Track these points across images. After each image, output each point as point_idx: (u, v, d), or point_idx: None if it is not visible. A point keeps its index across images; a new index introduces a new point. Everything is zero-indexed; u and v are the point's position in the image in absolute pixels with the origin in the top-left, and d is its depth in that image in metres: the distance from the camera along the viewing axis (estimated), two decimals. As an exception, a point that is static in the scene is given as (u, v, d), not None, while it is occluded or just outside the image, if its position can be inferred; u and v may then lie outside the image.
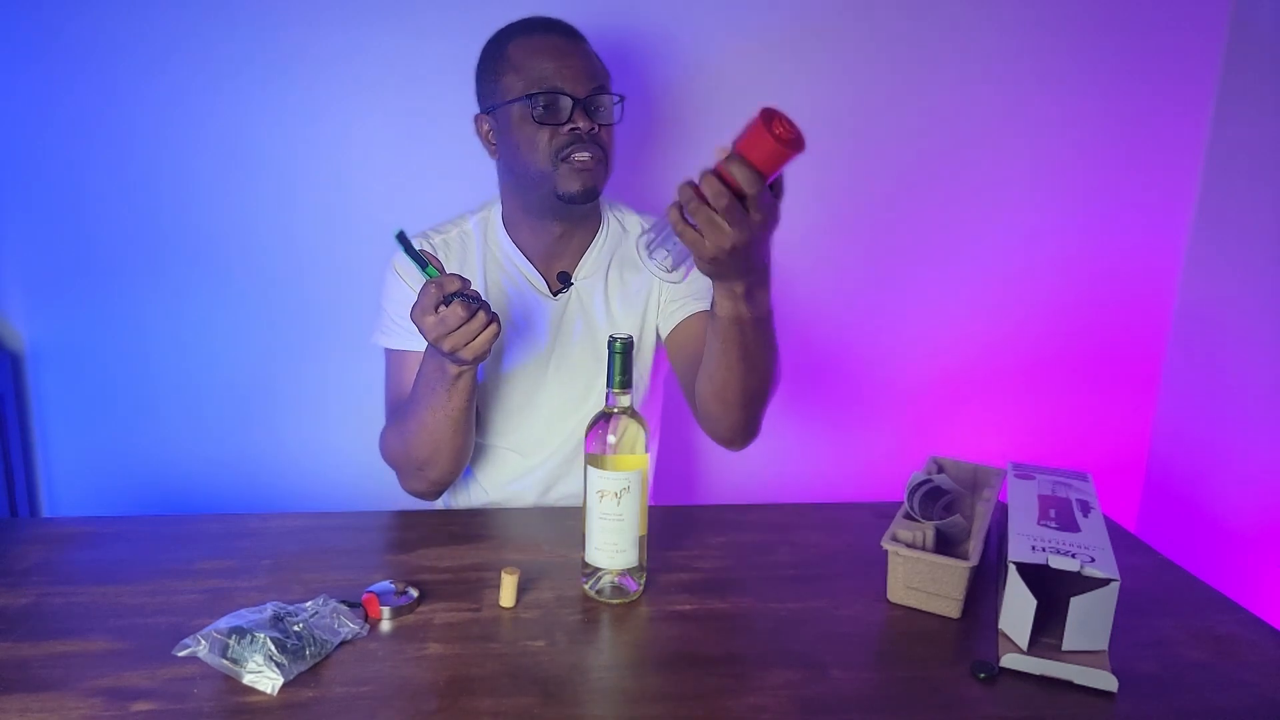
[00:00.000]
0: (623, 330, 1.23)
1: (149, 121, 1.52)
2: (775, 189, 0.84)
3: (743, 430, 1.11)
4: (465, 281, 0.94)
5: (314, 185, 1.57)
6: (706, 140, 1.58)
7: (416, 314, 0.95)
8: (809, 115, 1.63)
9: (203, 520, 1.13)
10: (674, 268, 0.89)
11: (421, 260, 0.97)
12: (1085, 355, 1.83)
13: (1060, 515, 0.95)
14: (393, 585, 0.94)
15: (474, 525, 1.15)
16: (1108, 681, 0.80)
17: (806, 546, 1.09)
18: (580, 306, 1.24)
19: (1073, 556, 0.83)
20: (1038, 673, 0.82)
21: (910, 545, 0.96)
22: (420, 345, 1.09)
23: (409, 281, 1.19)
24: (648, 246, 0.90)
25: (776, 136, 0.77)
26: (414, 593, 0.93)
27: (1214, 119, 1.73)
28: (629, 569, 0.94)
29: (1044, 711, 0.78)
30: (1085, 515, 0.95)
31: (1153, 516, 1.88)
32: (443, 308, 0.93)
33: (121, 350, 1.61)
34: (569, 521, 1.11)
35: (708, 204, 0.80)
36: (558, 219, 1.19)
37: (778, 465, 1.78)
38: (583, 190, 1.13)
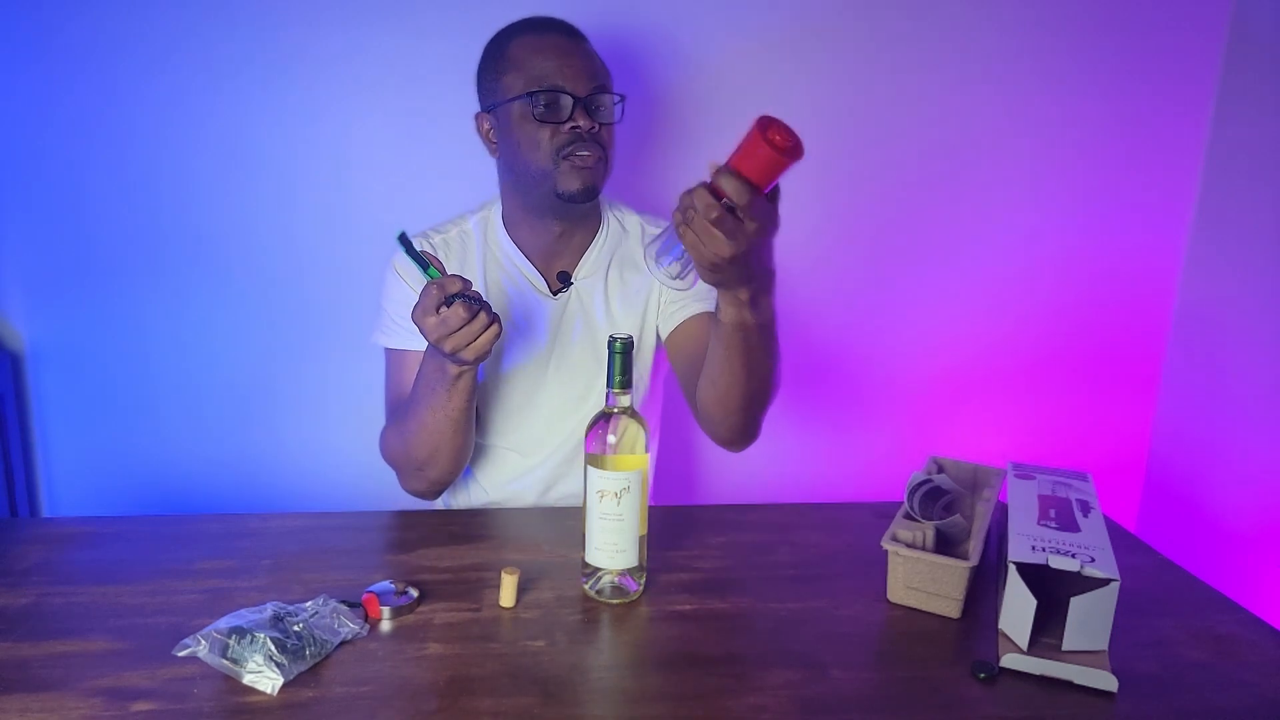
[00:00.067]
0: (623, 330, 1.23)
1: (149, 121, 1.52)
2: (771, 194, 0.84)
3: (743, 433, 1.12)
4: (467, 282, 0.94)
5: (314, 185, 1.57)
6: (706, 140, 1.61)
7: (418, 315, 0.95)
8: (809, 116, 1.64)
9: (203, 520, 1.13)
10: (681, 275, 0.90)
11: (423, 261, 0.97)
12: (1085, 355, 1.83)
13: (1060, 515, 0.95)
14: (393, 585, 0.94)
15: (474, 525, 1.15)
16: (1108, 681, 0.80)
17: (806, 546, 1.09)
18: (580, 306, 1.24)
19: (1073, 556, 0.83)
20: (1038, 673, 0.82)
21: (910, 545, 0.96)
22: (420, 345, 1.09)
23: (409, 281, 1.19)
24: (656, 255, 0.90)
25: (773, 145, 0.77)
26: (414, 593, 0.93)
27: (1214, 119, 1.73)
28: (629, 569, 0.94)
29: (1044, 711, 0.78)
30: (1085, 515, 0.95)
31: (1153, 516, 1.88)
32: (444, 308, 0.93)
33: (121, 350, 1.61)
34: (569, 521, 1.11)
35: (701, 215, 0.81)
36: (558, 218, 1.19)
37: (778, 465, 1.78)
38: (583, 189, 1.13)
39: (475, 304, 0.94)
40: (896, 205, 1.71)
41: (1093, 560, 0.83)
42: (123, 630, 0.86)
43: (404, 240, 0.99)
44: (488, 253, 1.24)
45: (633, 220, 1.29)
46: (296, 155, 1.56)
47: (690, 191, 0.81)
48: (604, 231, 1.26)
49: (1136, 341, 1.84)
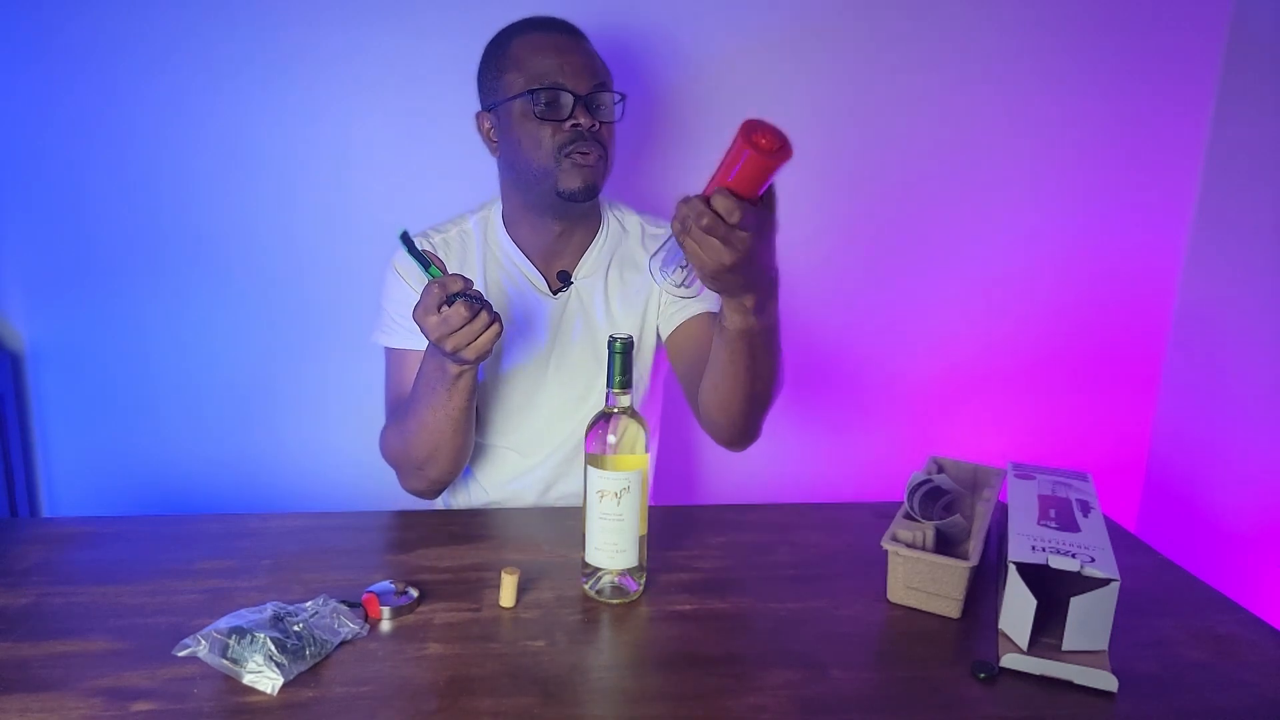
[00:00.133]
0: (622, 330, 1.23)
1: (149, 121, 1.52)
2: (767, 197, 0.83)
3: (745, 434, 1.12)
4: (468, 281, 0.94)
5: (314, 185, 1.58)
6: (706, 140, 1.61)
7: (419, 314, 0.95)
8: (809, 116, 1.65)
9: (203, 520, 1.13)
10: (685, 283, 0.90)
11: (424, 260, 0.97)
12: (1085, 355, 1.83)
13: (1060, 515, 0.95)
14: (393, 585, 0.94)
15: (474, 525, 1.15)
16: (1108, 681, 0.80)
17: (806, 546, 1.09)
18: (580, 306, 1.24)
19: (1073, 556, 0.83)
20: (1038, 673, 0.82)
21: (910, 545, 0.96)
22: (420, 344, 1.09)
23: (409, 281, 1.19)
24: (660, 265, 0.90)
25: (758, 148, 0.77)
26: (414, 593, 0.93)
27: (1214, 119, 1.73)
28: (629, 569, 0.94)
29: (1044, 711, 0.78)
30: (1085, 515, 0.95)
31: (1153, 516, 1.88)
32: (445, 308, 0.93)
33: (121, 350, 1.61)
34: (569, 521, 1.11)
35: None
36: (558, 217, 1.20)
37: (778, 465, 1.78)
38: (583, 187, 1.13)
39: (476, 303, 0.94)
40: (896, 205, 1.72)
41: (1093, 560, 0.83)
42: (123, 630, 0.86)
43: (406, 239, 0.99)
44: (488, 252, 1.24)
45: (633, 220, 1.29)
46: (296, 155, 1.56)
47: (685, 201, 0.81)
48: (604, 231, 1.26)
49: (1136, 341, 1.84)
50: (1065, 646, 0.83)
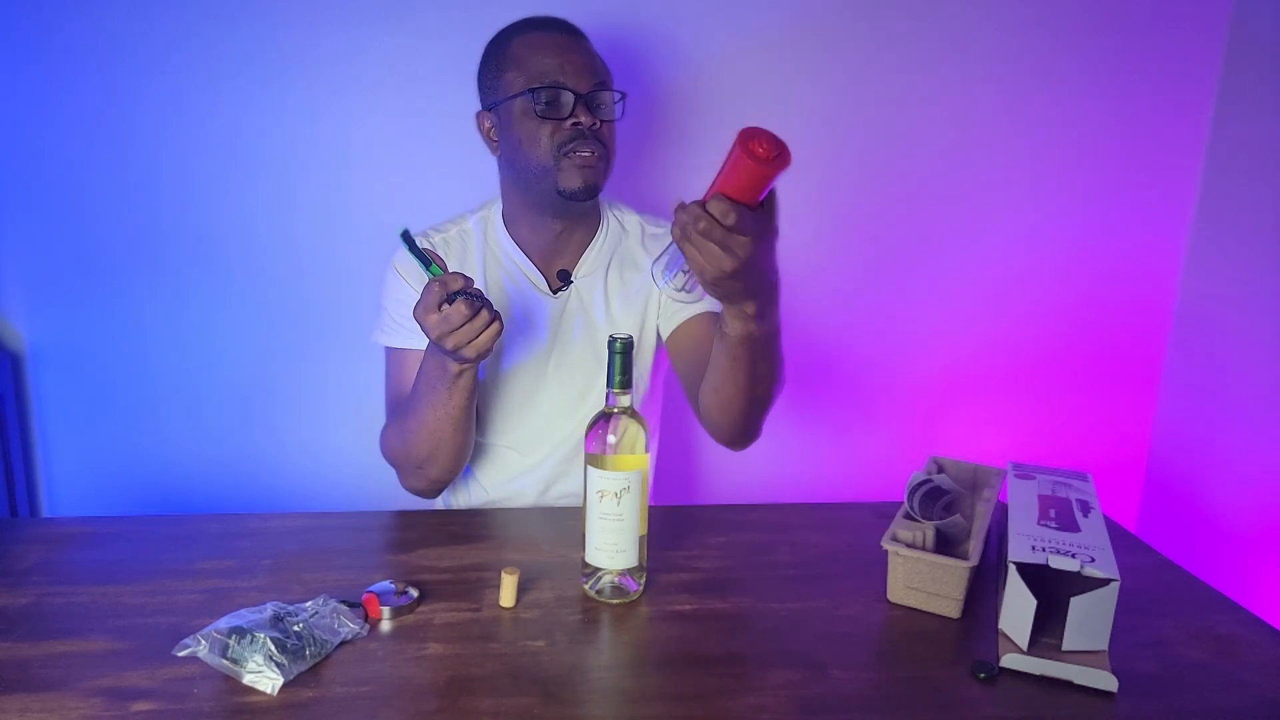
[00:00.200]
0: (622, 329, 1.23)
1: (149, 121, 1.52)
2: (767, 203, 0.83)
3: (744, 434, 1.12)
4: (468, 280, 0.94)
5: (314, 185, 1.58)
6: (706, 140, 1.61)
7: (419, 312, 0.95)
8: (809, 116, 1.65)
9: (203, 520, 1.13)
10: (687, 288, 0.90)
11: (425, 258, 0.97)
12: (1085, 355, 1.83)
13: (1060, 515, 0.95)
14: (393, 585, 0.94)
15: (474, 525, 1.15)
16: (1108, 681, 0.80)
17: (806, 546, 1.09)
18: (580, 305, 1.24)
19: (1073, 556, 0.83)
20: (1038, 673, 0.82)
21: (910, 545, 0.96)
22: (420, 343, 1.09)
23: (409, 280, 1.19)
24: (661, 270, 0.91)
25: (755, 157, 0.77)
26: (414, 593, 0.93)
27: (1214, 119, 1.73)
28: (629, 569, 0.94)
29: (1044, 711, 0.78)
30: (1085, 515, 0.95)
31: (1153, 516, 1.88)
32: (446, 306, 0.93)
33: (121, 350, 1.61)
34: (569, 521, 1.11)
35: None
36: (558, 216, 1.20)
37: (778, 465, 1.78)
38: (584, 187, 1.13)
39: (477, 301, 0.94)
40: (896, 205, 1.72)
41: (1093, 560, 0.83)
42: (123, 630, 0.86)
43: (406, 237, 0.99)
44: (487, 251, 1.24)
45: (632, 219, 1.29)
46: (296, 155, 1.56)
47: (683, 207, 0.81)
48: (603, 230, 1.26)
49: (1136, 341, 1.84)
50: (1065, 646, 0.83)
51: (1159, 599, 0.98)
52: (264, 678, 0.77)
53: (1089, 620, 0.82)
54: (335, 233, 1.59)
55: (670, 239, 0.85)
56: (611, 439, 0.91)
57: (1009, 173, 1.72)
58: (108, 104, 1.51)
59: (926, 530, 0.97)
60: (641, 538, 0.93)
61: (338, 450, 1.67)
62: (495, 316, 0.96)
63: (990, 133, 1.70)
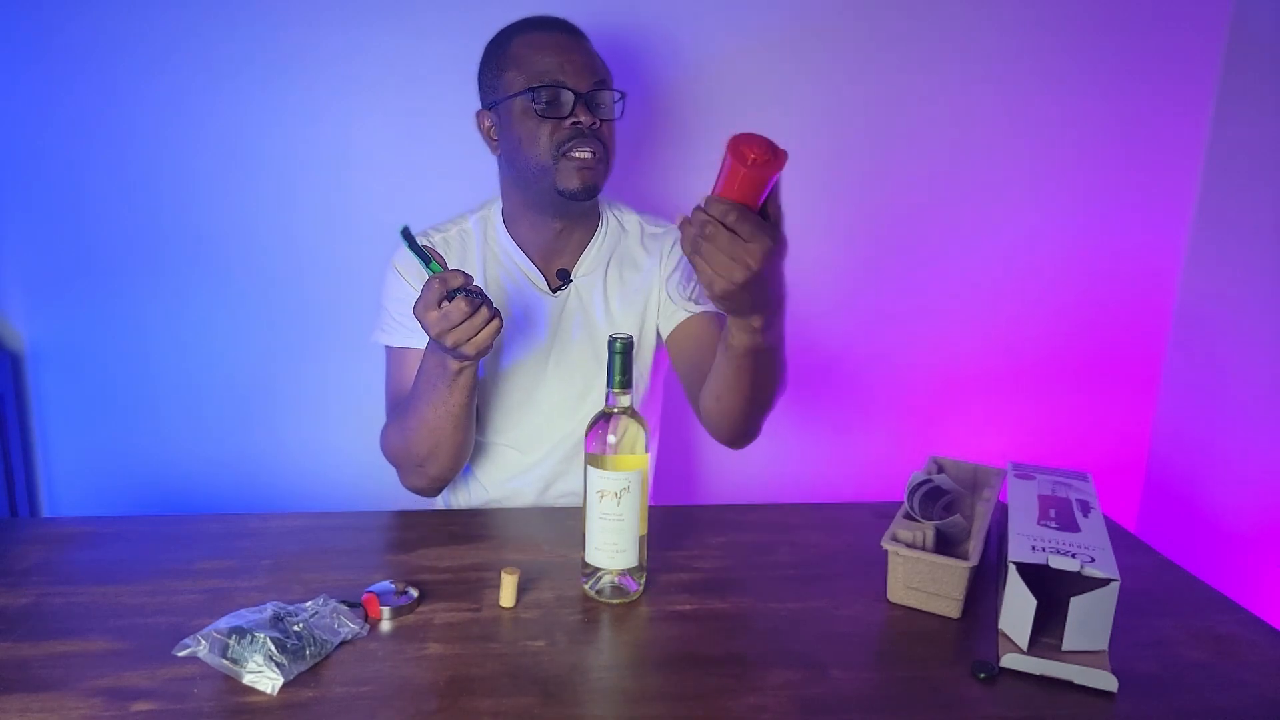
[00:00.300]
0: (622, 328, 1.23)
1: (149, 121, 1.52)
2: (766, 213, 0.83)
3: (745, 435, 1.13)
4: (468, 277, 0.94)
5: (314, 185, 1.58)
6: (706, 140, 1.61)
7: (419, 309, 0.95)
8: (809, 116, 1.65)
9: (203, 520, 1.13)
10: (700, 299, 0.90)
11: (425, 256, 0.98)
12: (1085, 355, 1.83)
13: (1060, 515, 0.95)
14: (393, 585, 0.94)
15: (474, 525, 1.15)
16: (1108, 681, 0.80)
17: (806, 546, 1.09)
18: (579, 304, 1.24)
19: (1073, 556, 0.83)
20: (1038, 673, 0.82)
21: (910, 545, 0.96)
22: (420, 342, 1.09)
23: (409, 279, 1.19)
24: (679, 285, 0.91)
25: (747, 163, 0.77)
26: (414, 593, 0.93)
27: (1214, 119, 1.73)
28: (629, 569, 0.94)
29: (1044, 711, 0.78)
30: (1085, 515, 0.95)
31: (1153, 516, 1.88)
32: (446, 303, 0.93)
33: (121, 350, 1.61)
34: (569, 521, 1.11)
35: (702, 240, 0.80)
36: (557, 215, 1.20)
37: (778, 465, 1.78)
38: (583, 187, 1.13)
39: (477, 298, 0.94)
40: (896, 205, 1.71)
41: (1093, 560, 0.83)
42: (123, 630, 0.86)
43: (406, 235, 0.99)
44: (487, 250, 1.24)
45: (632, 219, 1.29)
46: (296, 155, 1.56)
47: (685, 220, 0.81)
48: (603, 230, 1.26)
49: (1136, 341, 1.84)
50: (1065, 646, 0.83)
51: (1159, 599, 0.98)
52: (264, 678, 0.77)
53: (1089, 620, 0.82)
54: (335, 233, 1.59)
55: (665, 224, 0.85)
56: (611, 439, 0.91)
57: (1009, 173, 1.72)
58: (108, 104, 1.51)
59: (926, 530, 0.97)
60: (641, 538, 0.93)
61: (338, 450, 1.67)
62: (495, 314, 0.96)
63: (990, 133, 1.70)
